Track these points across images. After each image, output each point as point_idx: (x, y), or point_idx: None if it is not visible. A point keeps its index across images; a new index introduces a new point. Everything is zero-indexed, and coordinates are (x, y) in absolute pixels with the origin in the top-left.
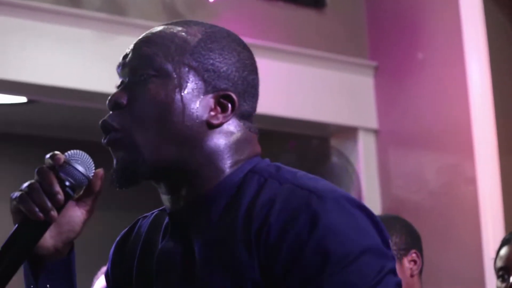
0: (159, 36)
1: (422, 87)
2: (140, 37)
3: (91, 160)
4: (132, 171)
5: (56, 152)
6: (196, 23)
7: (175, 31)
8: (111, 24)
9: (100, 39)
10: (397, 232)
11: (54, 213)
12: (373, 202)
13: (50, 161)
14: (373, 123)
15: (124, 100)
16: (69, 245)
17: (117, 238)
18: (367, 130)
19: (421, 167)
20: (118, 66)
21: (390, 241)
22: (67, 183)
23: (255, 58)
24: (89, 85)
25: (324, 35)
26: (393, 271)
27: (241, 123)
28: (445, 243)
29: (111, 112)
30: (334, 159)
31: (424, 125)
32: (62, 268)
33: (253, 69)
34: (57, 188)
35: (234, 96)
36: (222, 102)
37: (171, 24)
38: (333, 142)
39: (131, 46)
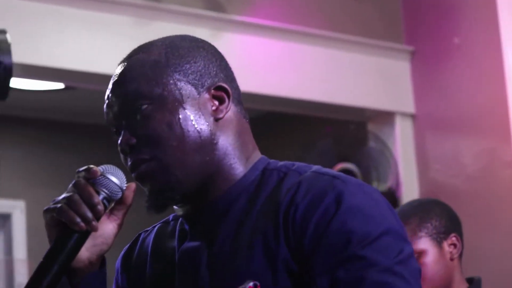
0: (131, 71)
1: (459, 71)
2: (113, 81)
3: (123, 174)
4: (169, 193)
5: (91, 165)
6: (151, 44)
7: (141, 59)
8: (147, 10)
9: (137, 25)
10: (437, 216)
11: (95, 223)
12: (411, 186)
13: (85, 174)
14: (410, 108)
15: (133, 140)
16: (101, 257)
17: (122, 252)
18: (404, 114)
19: (458, 151)
20: (107, 114)
21: (430, 225)
22: (104, 195)
23: (292, 43)
24: None
25: (361, 20)
26: (413, 255)
27: (237, 109)
28: (482, 226)
29: (129, 156)
30: (372, 144)
31: (461, 109)
32: (98, 280)
33: (220, 55)
34: (97, 199)
35: (223, 84)
36: (216, 95)
37: (131, 57)
38: (370, 127)
39: (110, 94)
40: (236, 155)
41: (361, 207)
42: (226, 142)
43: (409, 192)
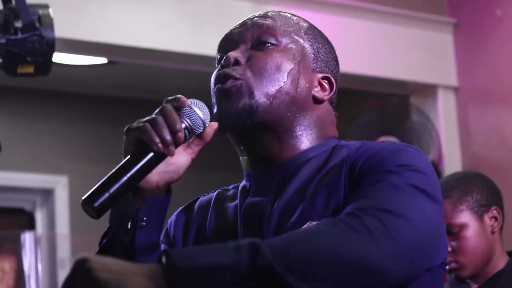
0: (277, 15)
1: (502, 44)
2: (255, 13)
3: (208, 111)
4: (243, 119)
5: (180, 95)
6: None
7: (288, 15)
8: None
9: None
10: (478, 189)
11: (173, 148)
12: (453, 159)
13: (173, 102)
14: (453, 81)
15: (242, 60)
16: (168, 185)
17: (178, 210)
18: (447, 87)
19: (501, 124)
20: (228, 38)
21: (471, 198)
22: (186, 125)
23: (335, 16)
24: (169, 45)
25: None
26: (419, 186)
27: (330, 106)
28: None
29: (226, 69)
30: (414, 117)
31: (504, 81)
32: (160, 206)
33: (338, 63)
34: (180, 126)
35: (333, 80)
36: (322, 83)
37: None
38: (413, 100)
39: (246, 20)
40: (310, 130)
41: (410, 158)
42: (308, 116)
43: (452, 165)
